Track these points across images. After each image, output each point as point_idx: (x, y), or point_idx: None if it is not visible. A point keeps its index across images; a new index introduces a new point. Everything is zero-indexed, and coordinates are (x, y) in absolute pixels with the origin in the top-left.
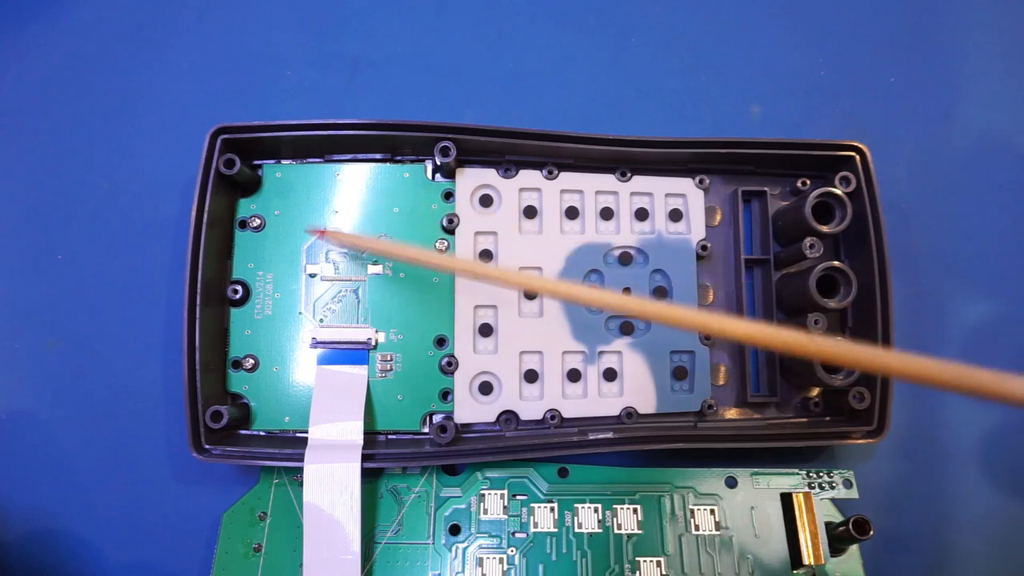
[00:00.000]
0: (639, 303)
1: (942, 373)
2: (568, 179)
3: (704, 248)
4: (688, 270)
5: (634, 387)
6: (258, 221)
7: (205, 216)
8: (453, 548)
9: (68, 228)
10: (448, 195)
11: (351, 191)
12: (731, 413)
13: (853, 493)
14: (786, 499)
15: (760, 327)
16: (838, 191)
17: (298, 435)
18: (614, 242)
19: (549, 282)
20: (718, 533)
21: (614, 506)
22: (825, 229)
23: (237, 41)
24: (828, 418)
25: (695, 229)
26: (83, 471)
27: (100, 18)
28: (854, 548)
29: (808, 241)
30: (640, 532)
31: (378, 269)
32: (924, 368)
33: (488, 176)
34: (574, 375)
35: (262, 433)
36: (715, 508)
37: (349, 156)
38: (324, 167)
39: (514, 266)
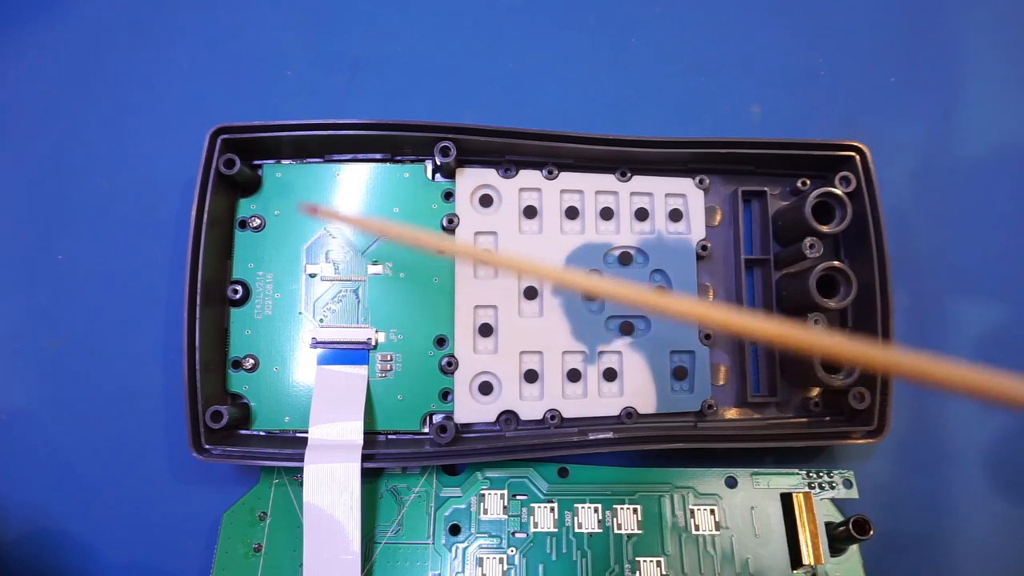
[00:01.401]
0: (638, 292)
1: (944, 373)
2: (568, 179)
3: (704, 248)
4: (688, 270)
5: (634, 387)
6: (258, 221)
7: (205, 216)
8: (453, 548)
9: (68, 228)
10: (448, 195)
11: (351, 191)
12: (731, 413)
13: (853, 493)
14: (786, 499)
15: (762, 321)
16: (838, 191)
17: (298, 435)
18: (614, 242)
19: (545, 267)
20: (718, 533)
21: (614, 506)
22: (825, 229)
23: (237, 41)
24: (828, 418)
25: (695, 229)
26: (83, 471)
27: (100, 18)
28: (854, 548)
29: (808, 241)
30: (640, 532)
31: (378, 269)
32: (926, 368)
33: (488, 176)
34: (574, 375)
35: (262, 433)
36: (715, 508)
37: (349, 156)
38: (324, 167)
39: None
